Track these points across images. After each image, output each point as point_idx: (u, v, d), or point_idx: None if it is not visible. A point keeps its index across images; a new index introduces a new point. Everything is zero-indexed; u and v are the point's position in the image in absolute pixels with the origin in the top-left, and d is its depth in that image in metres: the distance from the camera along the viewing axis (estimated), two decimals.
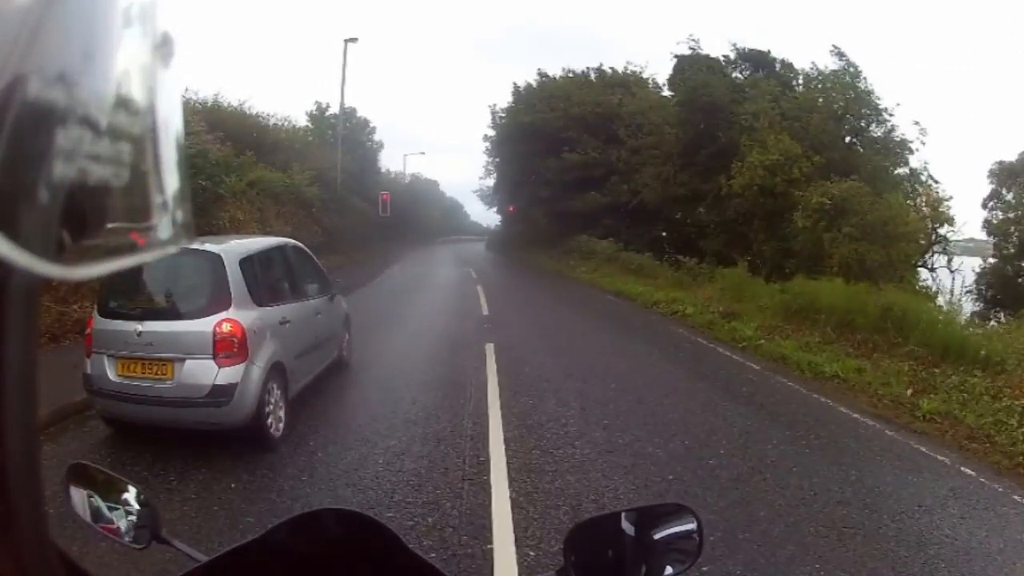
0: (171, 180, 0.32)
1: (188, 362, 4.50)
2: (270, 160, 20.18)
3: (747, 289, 14.11)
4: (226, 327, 4.51)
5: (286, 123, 26.40)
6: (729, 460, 5.09)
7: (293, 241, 6.50)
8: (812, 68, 20.57)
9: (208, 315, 4.56)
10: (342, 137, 29.85)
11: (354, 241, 26.33)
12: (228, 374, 4.49)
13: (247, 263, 4.96)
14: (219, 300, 4.62)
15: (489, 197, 42.87)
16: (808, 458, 5.20)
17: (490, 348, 8.77)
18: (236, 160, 16.55)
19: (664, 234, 25.30)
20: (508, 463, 4.68)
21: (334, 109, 30.45)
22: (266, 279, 5.23)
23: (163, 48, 0.31)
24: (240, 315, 4.62)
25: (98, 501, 1.14)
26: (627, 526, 1.05)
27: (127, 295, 4.81)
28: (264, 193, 16.87)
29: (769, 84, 20.29)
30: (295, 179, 19.64)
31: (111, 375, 4.62)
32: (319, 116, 35.75)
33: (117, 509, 1.14)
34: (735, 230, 18.90)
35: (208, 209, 13.60)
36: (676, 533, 1.08)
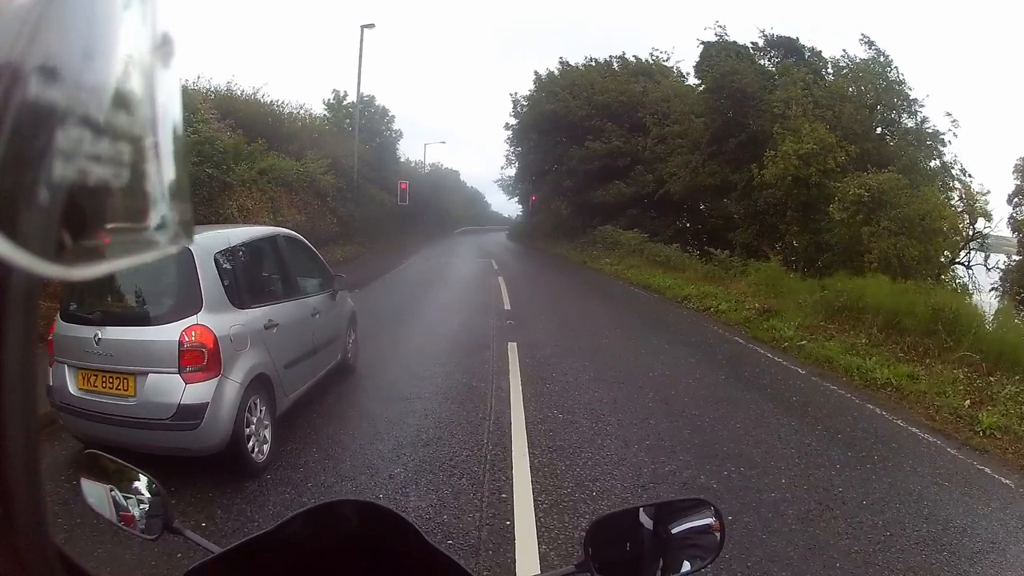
0: (171, 180, 0.32)
1: (151, 376, 3.75)
2: (285, 149, 19.56)
3: (782, 284, 13.29)
4: (194, 335, 3.73)
5: (301, 111, 25.71)
6: (792, 492, 4.32)
7: (286, 231, 5.72)
8: (843, 56, 19.94)
9: (174, 321, 3.79)
10: (360, 125, 29.23)
11: (372, 231, 25.69)
12: (197, 392, 3.73)
13: (225, 257, 4.18)
14: (187, 303, 3.84)
15: (510, 187, 42.63)
16: (875, 487, 4.51)
17: (513, 348, 7.96)
18: (247, 148, 15.93)
19: (689, 225, 24.72)
20: (535, 500, 3.86)
21: (352, 98, 29.68)
22: (249, 276, 4.45)
23: (163, 48, 0.31)
24: (212, 320, 3.85)
25: (110, 490, 1.12)
26: (645, 520, 1.03)
27: (87, 296, 4.07)
28: (276, 181, 16.21)
29: (800, 71, 19.49)
30: (309, 167, 18.95)
31: (71, 387, 3.92)
32: (337, 105, 35.14)
33: (129, 498, 1.13)
34: (765, 222, 18.09)
35: (215, 198, 12.97)
36: (694, 528, 1.06)
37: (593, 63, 32.13)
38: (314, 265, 5.81)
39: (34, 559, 0.33)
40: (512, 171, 39.97)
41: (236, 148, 15.21)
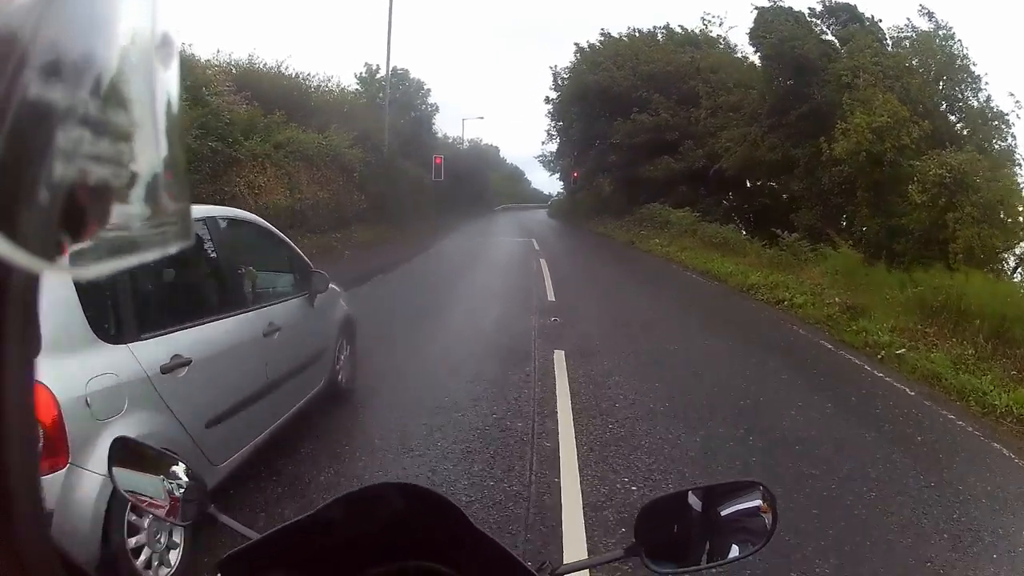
0: (171, 180, 0.32)
1: None
2: (311, 122, 18.13)
3: (863, 276, 11.61)
4: None
5: (329, 83, 24.17)
6: None
7: (238, 212, 4.05)
8: (906, 26, 18.32)
9: None
10: (393, 99, 27.67)
11: (404, 209, 24.20)
12: None
13: None
14: None
15: (551, 163, 40.83)
16: None
17: (559, 358, 6.24)
18: (262, 120, 14.49)
19: (746, 204, 23.15)
20: None
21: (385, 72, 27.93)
22: (142, 287, 2.79)
23: (163, 48, 0.31)
24: (56, 372, 2.22)
25: (142, 476, 1.08)
26: (694, 502, 1.00)
27: None
28: (294, 156, 14.72)
29: (867, 37, 17.77)
30: (333, 141, 17.43)
31: None
32: (369, 78, 33.70)
33: (163, 484, 1.08)
34: (830, 202, 16.74)
35: (220, 175, 11.56)
36: (742, 510, 1.00)
37: (637, 33, 30.07)
38: (279, 259, 4.16)
39: (34, 559, 0.33)
40: (553, 147, 37.85)
41: (251, 120, 13.80)
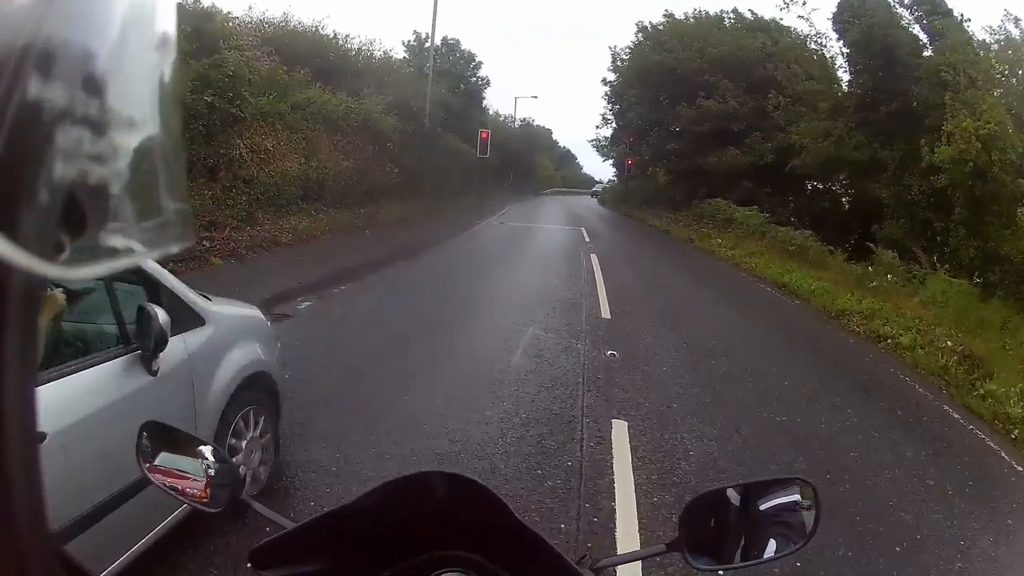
0: (171, 179, 0.32)
1: None
2: (346, 86, 16.20)
3: (974, 312, 9.80)
4: None
5: (371, 47, 22.16)
6: None
7: None
8: (1000, 27, 15.73)
9: None
10: (443, 70, 25.55)
11: (444, 185, 22.19)
12: None
13: None
14: None
15: (605, 148, 38.08)
16: None
17: (620, 436, 3.98)
18: (283, 78, 12.54)
19: (820, 207, 20.56)
20: None
21: (435, 42, 25.71)
22: None
23: (163, 48, 0.31)
24: None
25: (172, 460, 1.04)
26: (732, 496, 0.98)
27: None
28: (315, 119, 12.73)
29: (961, 34, 15.50)
30: (364, 105, 15.38)
31: None
32: (418, 47, 31.59)
33: (194, 468, 1.04)
34: (916, 215, 14.71)
35: (216, 134, 9.63)
36: (780, 504, 0.98)
37: (704, 15, 27.39)
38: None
39: (34, 559, 0.32)
40: (607, 132, 35.39)
41: (269, 78, 11.87)
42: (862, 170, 16.94)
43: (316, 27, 19.30)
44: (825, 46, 20.34)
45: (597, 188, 58.00)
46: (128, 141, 0.29)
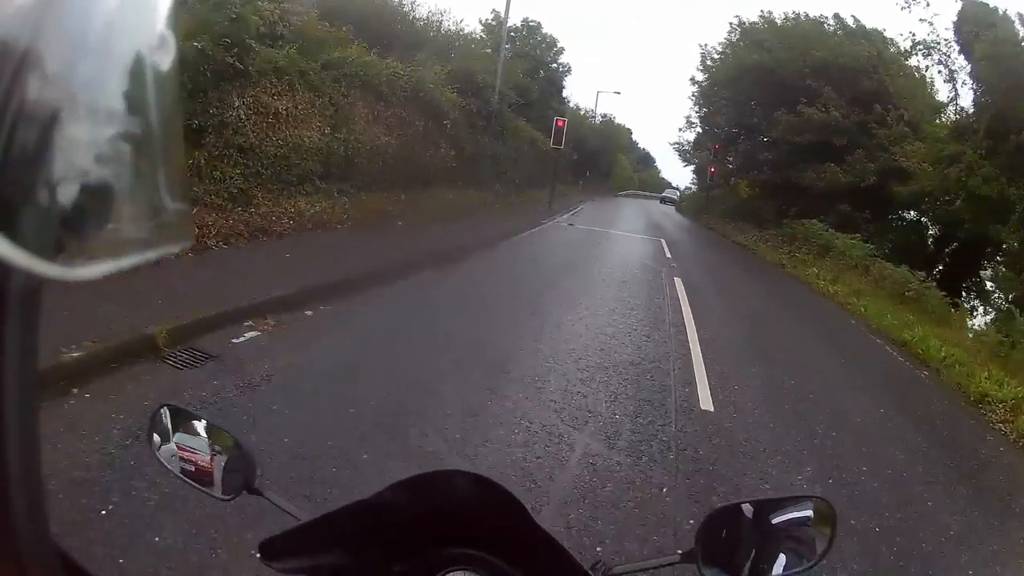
0: (171, 179, 0.32)
1: None
2: (403, 54, 14.00)
3: None
4: None
5: (442, 17, 19.96)
6: None
7: None
8: None
9: None
10: (522, 52, 23.00)
11: (510, 175, 19.72)
12: None
13: None
14: None
15: (688, 153, 35.31)
16: None
17: None
18: (318, 33, 10.32)
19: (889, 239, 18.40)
20: None
21: (515, 22, 23.36)
22: None
23: (162, 48, 0.31)
24: None
25: (183, 444, 1.02)
26: (748, 510, 0.96)
27: None
28: (352, 82, 10.45)
29: None
30: (418, 72, 13.04)
31: None
32: (496, 27, 29.25)
33: (206, 454, 1.01)
34: None
35: (205, 90, 7.47)
36: (792, 519, 0.95)
37: (805, 16, 24.67)
38: None
39: (34, 559, 0.33)
40: (691, 136, 33.14)
41: (302, 33, 9.69)
42: (988, 207, 14.60)
43: None
44: (949, 56, 18.54)
45: (667, 193, 53.59)
46: (127, 141, 0.29)
